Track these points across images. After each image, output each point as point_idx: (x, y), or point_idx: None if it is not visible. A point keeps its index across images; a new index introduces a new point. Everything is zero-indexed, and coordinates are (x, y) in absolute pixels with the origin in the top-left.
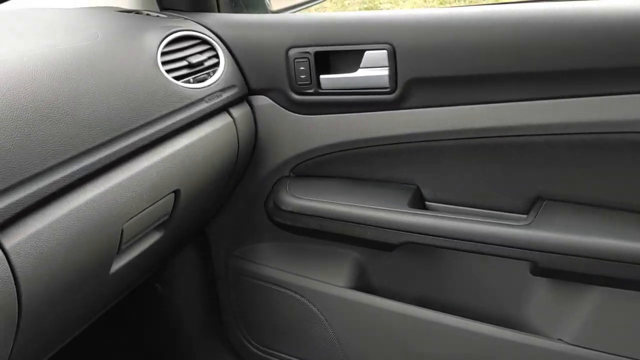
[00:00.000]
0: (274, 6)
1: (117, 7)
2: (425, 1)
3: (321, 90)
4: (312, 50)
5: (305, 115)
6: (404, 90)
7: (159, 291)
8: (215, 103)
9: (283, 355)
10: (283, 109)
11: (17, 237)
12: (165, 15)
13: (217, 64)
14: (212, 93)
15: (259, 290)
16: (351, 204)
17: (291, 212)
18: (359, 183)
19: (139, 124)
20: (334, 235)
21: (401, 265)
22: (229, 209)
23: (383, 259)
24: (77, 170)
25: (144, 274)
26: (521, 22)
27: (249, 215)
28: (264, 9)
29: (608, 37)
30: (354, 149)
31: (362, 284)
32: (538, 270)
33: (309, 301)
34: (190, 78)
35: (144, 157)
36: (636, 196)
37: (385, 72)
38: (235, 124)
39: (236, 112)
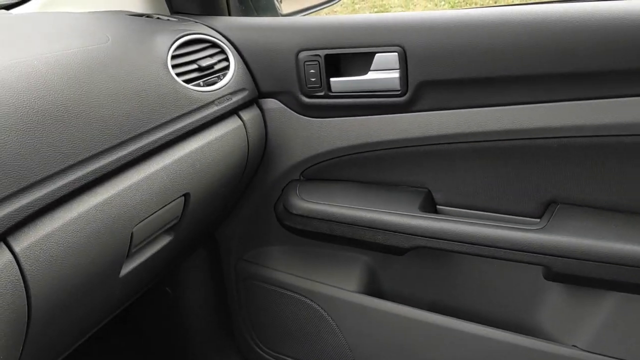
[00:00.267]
0: (284, 9)
1: (127, 11)
2: (436, 5)
3: (331, 93)
4: (322, 53)
5: (315, 119)
6: (415, 93)
7: (169, 295)
8: (226, 106)
9: (292, 359)
10: (293, 112)
11: (28, 240)
12: (175, 19)
13: (227, 67)
14: (222, 96)
15: (268, 294)
16: (362, 208)
17: (301, 215)
18: (369, 186)
19: (149, 127)
20: (344, 239)
21: (412, 269)
22: (238, 212)
23: (394, 263)
24: (88, 173)
25: (154, 278)
26: (533, 23)
27: (258, 218)
28: (274, 12)
29: (626, 38)
30: (364, 152)
31: (373, 289)
32: (552, 275)
33: (318, 305)
34: (201, 81)
35: (154, 160)
36: None
37: (395, 74)
38: (245, 127)
39: (246, 115)
